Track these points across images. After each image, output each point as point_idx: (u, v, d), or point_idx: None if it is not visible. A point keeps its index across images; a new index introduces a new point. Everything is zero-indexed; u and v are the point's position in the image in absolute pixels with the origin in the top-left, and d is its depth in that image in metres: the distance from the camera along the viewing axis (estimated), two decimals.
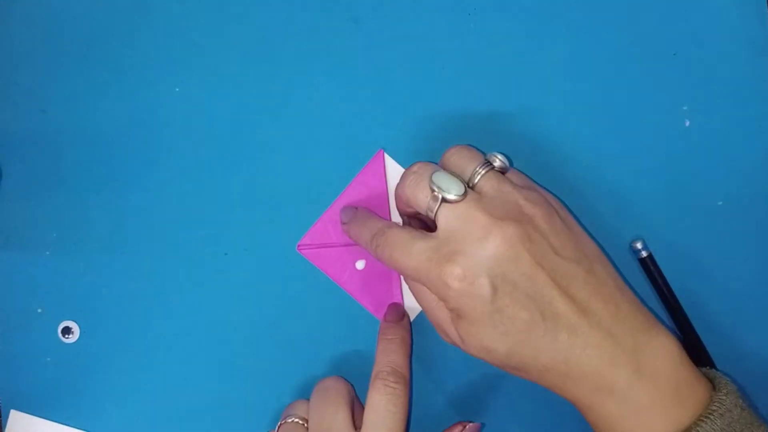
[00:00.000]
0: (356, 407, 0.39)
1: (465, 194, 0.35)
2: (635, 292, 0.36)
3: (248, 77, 0.43)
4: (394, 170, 0.43)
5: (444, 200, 0.35)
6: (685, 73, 0.43)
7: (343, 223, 0.41)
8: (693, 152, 0.42)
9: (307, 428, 0.38)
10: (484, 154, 0.37)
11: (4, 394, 0.43)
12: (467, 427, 0.40)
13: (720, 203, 0.42)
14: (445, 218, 0.35)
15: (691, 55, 0.43)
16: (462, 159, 0.37)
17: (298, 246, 0.43)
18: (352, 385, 0.40)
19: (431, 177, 0.35)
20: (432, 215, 0.35)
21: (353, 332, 0.42)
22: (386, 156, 0.43)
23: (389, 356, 0.39)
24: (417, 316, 0.42)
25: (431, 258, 0.34)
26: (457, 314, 0.35)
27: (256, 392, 0.42)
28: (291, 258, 0.43)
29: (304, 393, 0.42)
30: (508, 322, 0.33)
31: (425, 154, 0.42)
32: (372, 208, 0.42)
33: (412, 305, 0.42)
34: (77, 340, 0.43)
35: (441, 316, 0.36)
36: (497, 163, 0.36)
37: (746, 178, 0.42)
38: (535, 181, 0.38)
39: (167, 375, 0.42)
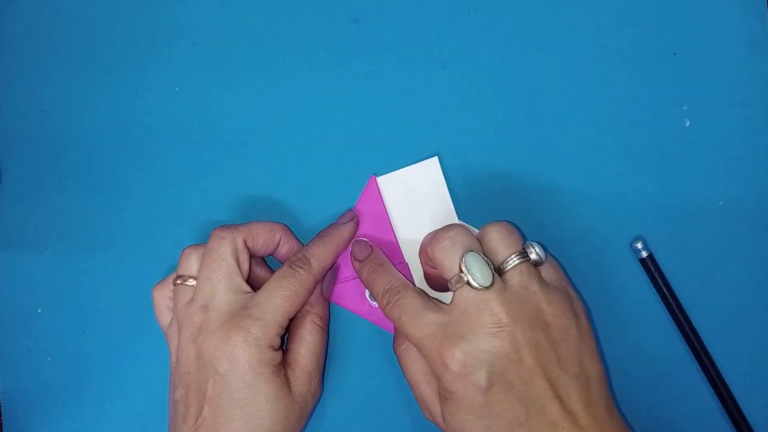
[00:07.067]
0: (259, 267, 0.41)
1: (491, 285, 0.34)
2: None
3: (248, 77, 0.43)
4: (390, 181, 0.42)
5: (468, 283, 0.35)
6: (685, 73, 0.43)
7: (356, 260, 0.40)
8: (693, 152, 0.42)
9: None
10: (525, 239, 0.37)
11: (4, 394, 0.43)
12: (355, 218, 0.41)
13: (720, 203, 0.42)
14: (463, 299, 0.35)
15: (691, 55, 0.43)
16: (501, 241, 0.36)
17: None
18: (242, 241, 0.38)
19: (464, 256, 0.35)
20: (452, 289, 0.35)
21: (351, 334, 0.42)
22: (378, 179, 0.42)
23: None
24: None
25: (437, 335, 0.34)
26: (446, 395, 0.35)
27: None
28: None
29: None
30: (495, 417, 0.34)
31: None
32: (376, 235, 0.42)
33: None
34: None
35: (427, 391, 0.37)
36: (533, 256, 0.36)
37: (746, 178, 0.42)
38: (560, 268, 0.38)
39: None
